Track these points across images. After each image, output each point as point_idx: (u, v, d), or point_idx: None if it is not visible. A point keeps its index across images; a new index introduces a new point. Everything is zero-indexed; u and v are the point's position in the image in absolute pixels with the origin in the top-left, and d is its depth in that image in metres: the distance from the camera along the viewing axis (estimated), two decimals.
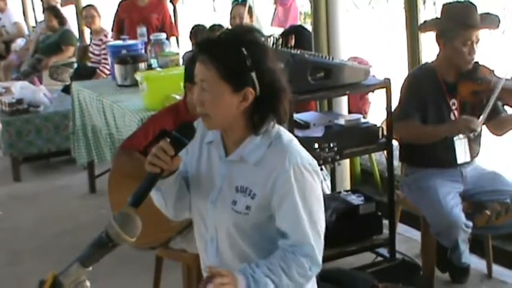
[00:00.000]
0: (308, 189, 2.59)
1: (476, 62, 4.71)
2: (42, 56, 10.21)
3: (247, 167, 2.61)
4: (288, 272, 2.56)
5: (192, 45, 8.15)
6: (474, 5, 4.66)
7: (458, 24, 4.61)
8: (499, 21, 4.76)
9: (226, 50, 2.52)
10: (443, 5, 4.85)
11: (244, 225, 2.62)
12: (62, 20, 10.49)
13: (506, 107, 4.84)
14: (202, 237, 2.78)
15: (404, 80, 4.84)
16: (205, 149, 2.75)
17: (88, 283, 2.24)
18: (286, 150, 2.58)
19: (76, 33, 10.94)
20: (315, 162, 2.65)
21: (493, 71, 4.74)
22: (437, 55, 4.80)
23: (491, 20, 4.74)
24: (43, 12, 11.03)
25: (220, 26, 7.76)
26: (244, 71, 2.51)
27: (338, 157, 4.59)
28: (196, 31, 7.88)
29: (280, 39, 5.14)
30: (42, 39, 10.63)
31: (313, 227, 2.60)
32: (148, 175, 2.53)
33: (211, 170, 2.71)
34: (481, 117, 4.57)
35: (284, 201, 2.56)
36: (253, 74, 2.51)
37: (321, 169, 5.26)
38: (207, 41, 2.61)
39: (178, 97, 4.56)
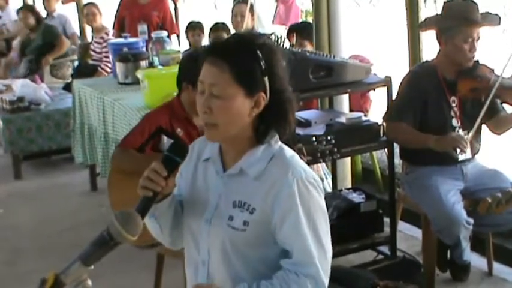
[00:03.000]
0: (313, 204, 2.45)
1: (477, 61, 4.72)
2: (33, 55, 10.15)
3: (246, 181, 2.47)
4: None
5: (189, 42, 8.17)
6: (475, 2, 4.67)
7: (460, 21, 4.62)
8: (500, 19, 4.76)
9: (242, 52, 2.42)
10: (445, 3, 4.86)
11: (241, 242, 2.45)
12: (38, 16, 10.42)
13: (505, 106, 4.85)
14: (192, 261, 2.60)
15: (404, 77, 4.84)
16: (202, 167, 2.60)
17: (89, 282, 2.24)
18: (289, 163, 2.46)
19: (77, 31, 10.93)
20: (318, 178, 2.52)
21: (493, 70, 4.75)
22: (438, 53, 4.80)
23: (492, 18, 4.75)
24: (44, 9, 10.98)
25: (223, 24, 7.78)
26: (258, 74, 2.41)
27: (336, 150, 4.57)
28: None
29: (283, 38, 5.15)
30: (23, 40, 10.56)
31: (318, 245, 2.43)
32: (141, 199, 2.36)
33: (207, 188, 2.56)
34: (470, 134, 4.59)
35: (287, 218, 2.41)
36: (266, 79, 2.42)
37: (321, 163, 5.27)
38: (218, 44, 2.50)
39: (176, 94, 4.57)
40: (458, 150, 4.56)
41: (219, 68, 2.40)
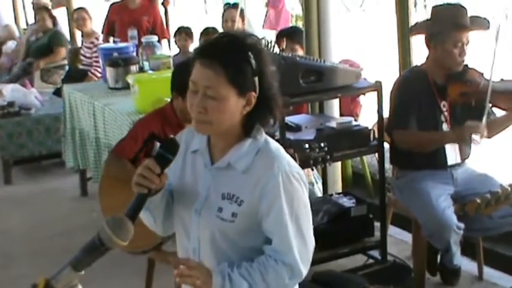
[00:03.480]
0: (296, 197, 2.54)
1: (466, 65, 4.74)
2: (33, 58, 10.18)
3: (234, 174, 2.57)
4: (265, 277, 2.52)
5: (178, 47, 8.17)
6: (464, 7, 4.69)
7: (449, 25, 4.63)
8: (489, 22, 4.78)
9: (234, 54, 2.48)
10: (433, 8, 4.88)
11: (230, 232, 2.56)
12: (54, 20, 10.48)
13: (495, 109, 4.87)
14: (184, 248, 2.71)
15: (395, 83, 4.86)
16: (190, 159, 2.69)
17: (80, 287, 2.24)
18: (274, 157, 2.55)
19: (67, 36, 10.92)
20: (302, 172, 2.61)
21: (482, 73, 4.77)
22: (427, 57, 4.82)
23: (481, 22, 4.77)
24: (34, 14, 10.98)
25: (214, 29, 7.78)
26: (250, 75, 2.49)
27: (328, 157, 4.59)
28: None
29: (274, 43, 5.15)
30: (32, 40, 10.60)
31: (299, 235, 2.55)
32: (137, 196, 2.44)
33: (196, 179, 2.65)
34: (483, 119, 4.58)
35: (272, 208, 2.51)
36: (256, 79, 2.50)
37: (312, 170, 5.28)
38: (211, 45, 2.55)
39: (169, 100, 4.56)
40: (477, 137, 4.55)
41: (213, 70, 2.46)
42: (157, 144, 2.56)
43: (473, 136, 4.53)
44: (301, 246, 2.55)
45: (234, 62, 2.47)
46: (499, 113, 4.87)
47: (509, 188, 4.39)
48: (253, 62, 2.48)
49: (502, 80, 4.78)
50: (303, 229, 2.56)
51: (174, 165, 2.63)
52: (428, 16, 4.91)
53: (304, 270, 2.58)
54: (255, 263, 2.55)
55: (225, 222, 2.55)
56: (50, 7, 11.26)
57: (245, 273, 2.52)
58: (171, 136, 2.58)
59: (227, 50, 2.49)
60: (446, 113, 4.76)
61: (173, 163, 2.60)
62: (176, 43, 8.21)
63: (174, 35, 8.24)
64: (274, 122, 2.62)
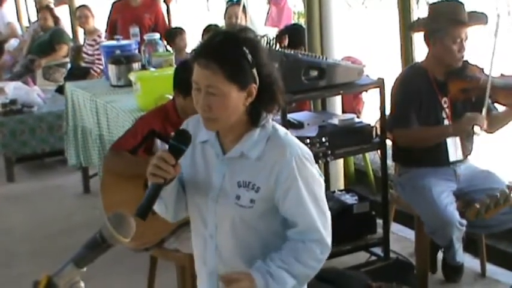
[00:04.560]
0: (311, 177, 2.68)
1: (466, 61, 4.74)
2: (35, 56, 10.18)
3: (248, 162, 2.66)
4: (300, 259, 2.64)
5: (172, 49, 8.08)
6: (461, 2, 4.69)
7: (448, 22, 4.63)
8: (487, 17, 4.78)
9: (229, 51, 2.55)
10: (430, 5, 4.88)
11: (249, 217, 2.66)
12: (56, 19, 10.48)
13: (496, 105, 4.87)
14: (200, 235, 2.79)
15: (395, 81, 4.85)
16: (199, 148, 2.77)
17: (82, 284, 2.24)
18: (285, 143, 2.66)
19: (69, 33, 10.92)
20: (310, 151, 2.74)
21: (482, 69, 4.76)
22: (427, 54, 4.81)
23: (478, 17, 4.77)
24: (37, 12, 10.99)
25: (216, 26, 7.75)
26: (247, 69, 2.56)
27: (329, 152, 4.58)
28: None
29: (274, 40, 5.14)
30: (34, 38, 10.60)
31: (319, 211, 2.68)
32: (152, 186, 2.55)
33: (208, 168, 2.74)
34: (483, 111, 4.58)
35: (289, 192, 2.63)
36: (254, 70, 2.57)
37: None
38: (206, 46, 2.61)
39: (171, 97, 4.56)
40: (477, 129, 4.55)
41: (210, 70, 2.54)
42: (158, 141, 2.62)
43: (474, 128, 4.53)
44: (323, 220, 2.69)
45: (230, 60, 2.54)
46: (500, 108, 4.86)
47: (507, 191, 4.39)
48: (249, 56, 2.55)
49: (502, 75, 4.77)
50: (321, 204, 2.70)
51: (184, 156, 2.70)
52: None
53: (329, 239, 2.71)
54: (284, 250, 2.67)
55: (244, 209, 2.65)
56: (52, 5, 11.26)
57: (280, 263, 2.63)
58: (182, 128, 2.65)
59: (222, 49, 2.56)
60: (447, 110, 4.75)
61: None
62: (169, 43, 8.09)
63: (167, 37, 8.12)
64: (278, 108, 2.70)
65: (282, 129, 2.72)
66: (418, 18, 5.12)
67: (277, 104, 2.67)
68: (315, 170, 2.73)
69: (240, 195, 2.66)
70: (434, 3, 4.84)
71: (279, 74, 2.67)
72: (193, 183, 2.77)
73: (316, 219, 2.67)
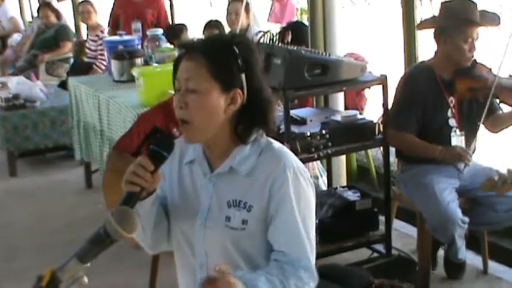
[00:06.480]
0: (303, 195, 2.46)
1: (475, 60, 4.73)
2: (38, 51, 10.19)
3: (237, 179, 2.46)
4: (286, 284, 2.38)
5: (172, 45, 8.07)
6: (474, 2, 4.68)
7: (460, 21, 4.62)
8: (499, 18, 4.77)
9: (219, 47, 2.43)
10: (442, 3, 4.85)
11: (242, 240, 2.45)
12: (58, 14, 10.48)
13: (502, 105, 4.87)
14: (188, 267, 2.58)
15: (401, 79, 4.85)
16: (187, 170, 2.57)
17: (86, 279, 2.24)
18: (280, 155, 2.47)
19: (72, 29, 10.92)
20: (307, 170, 2.54)
21: (490, 69, 4.76)
22: (435, 52, 4.80)
23: (491, 18, 4.76)
24: (39, 7, 10.99)
25: (217, 21, 7.77)
26: (235, 70, 2.40)
27: (330, 144, 4.58)
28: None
29: (277, 35, 5.13)
30: (38, 34, 10.60)
31: (308, 237, 2.46)
32: (127, 194, 2.32)
33: (196, 190, 2.53)
34: (472, 145, 4.67)
35: (281, 207, 2.42)
36: (243, 76, 2.41)
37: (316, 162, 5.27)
38: (196, 41, 2.52)
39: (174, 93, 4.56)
40: (463, 165, 4.64)
41: (194, 62, 2.40)
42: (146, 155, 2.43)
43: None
44: (311, 247, 2.48)
45: (218, 55, 2.40)
46: (506, 108, 4.86)
47: None
48: (239, 58, 2.40)
49: (510, 76, 4.76)
50: (309, 229, 2.48)
51: (169, 178, 2.57)
52: (436, 11, 4.90)
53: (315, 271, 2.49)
54: (272, 269, 2.39)
55: (236, 231, 2.44)
56: (52, 1, 11.25)
57: (267, 283, 2.35)
58: (166, 133, 2.52)
59: (212, 44, 2.46)
60: (453, 109, 4.75)
61: (168, 176, 2.54)
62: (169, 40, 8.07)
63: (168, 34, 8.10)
64: (267, 132, 2.51)
65: (276, 143, 2.52)
66: (425, 19, 5.10)
67: (266, 124, 2.48)
68: (310, 193, 2.50)
69: (230, 216, 2.43)
70: (446, 1, 4.83)
71: (276, 99, 2.48)
72: (181, 207, 2.55)
73: (306, 245, 2.45)
